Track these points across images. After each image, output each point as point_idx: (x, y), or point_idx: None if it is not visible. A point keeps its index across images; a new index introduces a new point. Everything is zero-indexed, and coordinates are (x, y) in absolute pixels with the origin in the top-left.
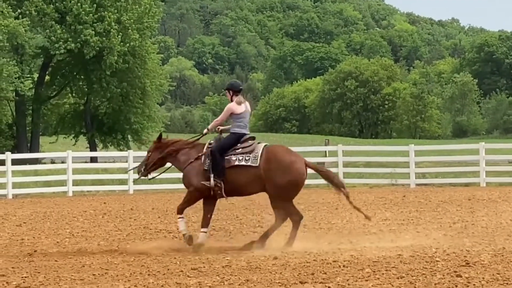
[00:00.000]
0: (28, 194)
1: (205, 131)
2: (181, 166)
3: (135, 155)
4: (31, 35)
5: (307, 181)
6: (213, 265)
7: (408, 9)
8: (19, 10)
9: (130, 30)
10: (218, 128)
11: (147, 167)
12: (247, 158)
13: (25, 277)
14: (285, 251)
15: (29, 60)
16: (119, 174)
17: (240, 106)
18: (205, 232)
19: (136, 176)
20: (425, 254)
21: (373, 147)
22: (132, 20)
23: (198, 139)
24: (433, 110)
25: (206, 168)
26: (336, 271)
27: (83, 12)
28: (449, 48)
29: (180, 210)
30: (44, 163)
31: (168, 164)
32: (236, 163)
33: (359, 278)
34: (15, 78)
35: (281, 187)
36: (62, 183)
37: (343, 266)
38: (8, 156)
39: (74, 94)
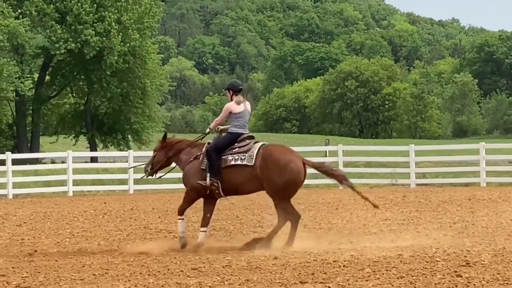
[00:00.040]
0: (28, 194)
1: (207, 130)
2: (182, 165)
3: (135, 155)
4: (31, 35)
5: (307, 181)
6: (213, 265)
7: (408, 9)
8: (19, 10)
9: (130, 30)
10: (218, 128)
11: (153, 167)
12: (242, 157)
13: (25, 277)
14: (285, 251)
15: (29, 60)
16: (119, 174)
17: (239, 106)
18: (205, 232)
19: (134, 174)
20: (425, 254)
21: (373, 147)
22: (132, 20)
23: (202, 138)
24: (433, 110)
25: (203, 167)
26: (336, 271)
27: (83, 12)
28: (449, 48)
29: (181, 212)
30: (45, 163)
31: (174, 164)
32: (232, 162)
33: (359, 278)
34: (15, 78)
35: (279, 186)
36: (63, 183)
37: (343, 266)
38: (9, 156)
39: (74, 94)
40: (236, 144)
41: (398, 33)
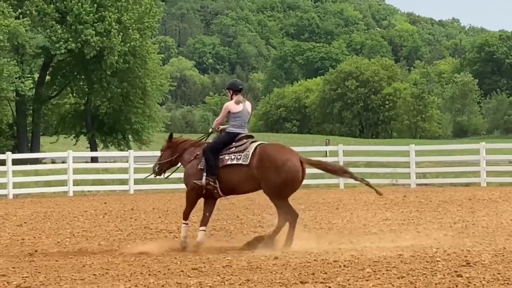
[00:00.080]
0: (28, 194)
1: (210, 130)
2: (185, 165)
3: (136, 155)
4: (31, 35)
5: (307, 181)
6: (213, 265)
7: (408, 9)
8: (19, 10)
9: (130, 30)
10: (218, 128)
11: (161, 166)
12: (239, 157)
13: (26, 277)
14: (285, 251)
15: (29, 60)
16: (119, 174)
17: (238, 106)
18: (204, 231)
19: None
20: (425, 254)
21: (374, 147)
22: (132, 20)
23: (206, 138)
24: (434, 110)
25: (201, 167)
26: (337, 271)
27: (83, 12)
28: (450, 48)
29: (185, 216)
30: (45, 163)
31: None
32: (229, 162)
33: (360, 278)
34: (16, 78)
35: (276, 185)
36: (63, 183)
37: (344, 266)
38: (9, 156)
39: (74, 94)
40: (233, 143)
41: (398, 33)
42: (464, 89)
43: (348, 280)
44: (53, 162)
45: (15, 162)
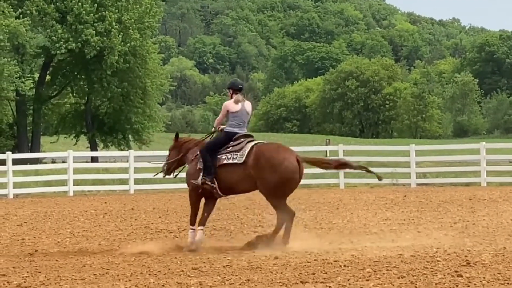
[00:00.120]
0: (29, 194)
1: (212, 129)
2: (188, 164)
3: (136, 154)
4: (32, 35)
5: (307, 181)
6: (214, 265)
7: (409, 9)
8: (20, 10)
9: (131, 30)
10: (219, 127)
11: (168, 166)
12: (234, 156)
13: (26, 276)
14: (283, 250)
15: (30, 59)
16: (120, 174)
17: (237, 105)
18: (202, 230)
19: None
20: (426, 254)
21: (374, 147)
22: (133, 20)
23: (209, 137)
24: (434, 110)
25: (200, 167)
26: (337, 270)
27: (84, 12)
28: (450, 48)
29: (191, 221)
30: (45, 163)
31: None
32: (225, 161)
33: (360, 278)
34: (16, 78)
35: (272, 185)
36: (63, 182)
37: (344, 265)
38: (9, 156)
39: (74, 94)
40: (231, 143)
41: (398, 33)
42: (465, 89)
43: (348, 280)
44: (53, 162)
45: (15, 162)
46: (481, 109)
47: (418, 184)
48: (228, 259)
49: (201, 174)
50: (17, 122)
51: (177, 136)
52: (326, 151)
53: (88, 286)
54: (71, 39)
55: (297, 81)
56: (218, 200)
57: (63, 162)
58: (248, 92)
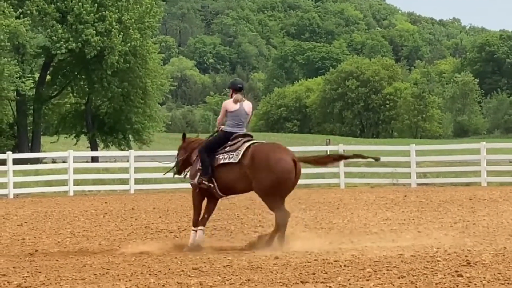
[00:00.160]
0: (29, 194)
1: (215, 129)
2: (192, 165)
3: (136, 154)
4: (32, 35)
5: (308, 181)
6: (214, 265)
7: (409, 9)
8: (20, 10)
9: (131, 30)
10: (220, 127)
11: (178, 166)
12: (230, 156)
13: (26, 276)
14: (282, 248)
15: (30, 59)
16: (120, 174)
17: (235, 105)
18: (202, 230)
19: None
20: (426, 253)
21: (374, 147)
22: (133, 20)
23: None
24: (434, 110)
25: (199, 167)
26: (337, 270)
27: (84, 12)
28: (450, 48)
29: (194, 222)
30: (45, 163)
31: None
32: (222, 161)
33: (360, 278)
34: (16, 77)
35: (267, 185)
36: (63, 182)
37: (344, 265)
38: (9, 155)
39: (75, 94)
40: (229, 142)
41: (399, 33)
42: (465, 88)
43: (348, 280)
44: (53, 161)
45: (16, 161)
46: (481, 109)
47: (418, 184)
48: (228, 259)
49: (199, 174)
50: (17, 122)
51: (184, 136)
52: (327, 151)
53: (88, 286)
54: (71, 39)
55: (298, 81)
56: (219, 200)
57: (64, 162)
58: (248, 92)
